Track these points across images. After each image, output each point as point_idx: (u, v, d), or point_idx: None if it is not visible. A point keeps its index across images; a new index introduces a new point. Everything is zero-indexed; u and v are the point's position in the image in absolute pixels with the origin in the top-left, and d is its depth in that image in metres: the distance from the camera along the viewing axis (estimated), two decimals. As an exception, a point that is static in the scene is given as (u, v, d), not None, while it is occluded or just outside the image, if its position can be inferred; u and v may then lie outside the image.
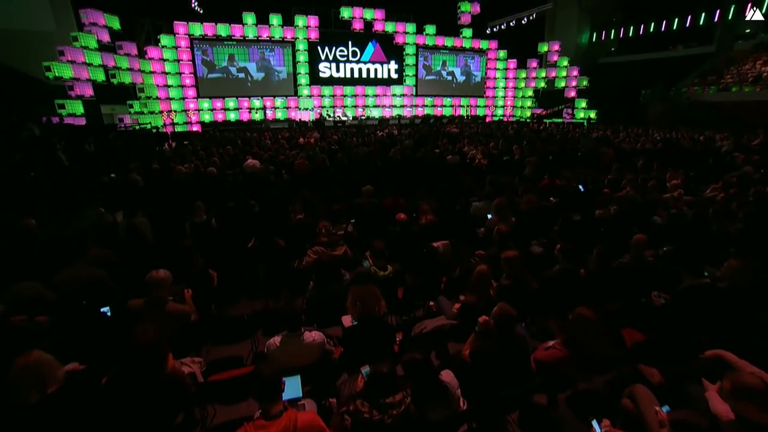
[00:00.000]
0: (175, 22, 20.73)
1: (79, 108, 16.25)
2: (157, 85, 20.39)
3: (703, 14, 26.87)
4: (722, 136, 13.85)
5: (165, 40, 20.62)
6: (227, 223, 4.05)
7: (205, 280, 3.04)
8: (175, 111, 21.09)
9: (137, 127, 18.30)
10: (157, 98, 20.25)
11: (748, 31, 26.86)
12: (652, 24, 30.22)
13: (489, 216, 4.42)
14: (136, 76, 19.05)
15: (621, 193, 5.03)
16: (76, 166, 8.10)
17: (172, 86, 21.03)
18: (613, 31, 33.43)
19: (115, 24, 18.12)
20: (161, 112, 20.33)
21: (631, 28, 31.97)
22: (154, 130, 18.62)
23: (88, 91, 16.69)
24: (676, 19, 28.47)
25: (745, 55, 24.88)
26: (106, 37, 17.72)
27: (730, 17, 25.77)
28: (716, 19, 26.45)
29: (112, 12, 17.96)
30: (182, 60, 21.23)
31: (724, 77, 23.49)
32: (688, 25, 27.84)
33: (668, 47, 30.66)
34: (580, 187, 5.78)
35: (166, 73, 20.79)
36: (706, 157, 9.14)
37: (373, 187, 5.99)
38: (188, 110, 21.73)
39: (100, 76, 17.30)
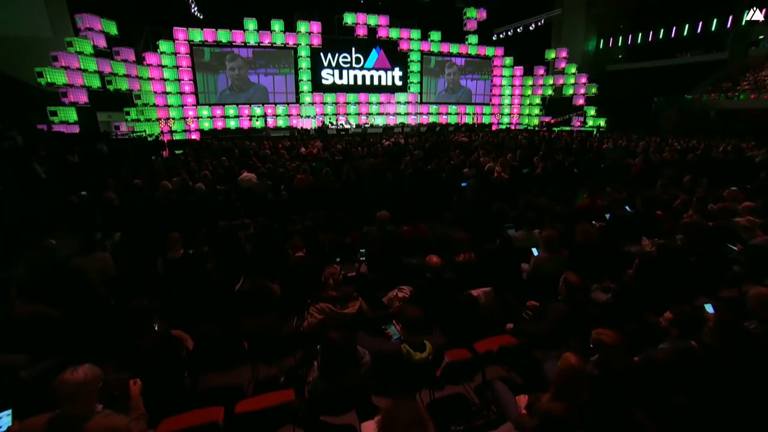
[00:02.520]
0: (174, 27, 20.19)
1: (72, 115, 15.59)
2: (155, 92, 19.78)
3: (715, 20, 26.22)
4: (750, 146, 13.03)
5: (164, 46, 20.07)
6: (209, 260, 3.24)
7: (168, 351, 2.21)
8: (173, 118, 20.44)
9: (133, 135, 17.66)
10: (154, 105, 19.63)
11: (761, 37, 26.24)
12: (662, 31, 29.62)
13: (534, 251, 3.59)
14: (133, 82, 18.45)
15: (686, 219, 4.19)
16: (54, 180, 7.33)
17: (170, 93, 20.43)
18: (620, 38, 32.87)
19: (112, 29, 17.55)
20: (159, 119, 19.69)
21: (640, 35, 31.38)
22: (150, 139, 17.96)
23: (83, 98, 16.05)
24: (687, 26, 27.84)
25: (761, 61, 24.17)
26: (102, 43, 17.14)
27: (743, 23, 25.11)
28: (729, 26, 25.79)
29: (110, 18, 17.40)
30: (181, 66, 20.66)
31: (740, 84, 22.74)
32: (699, 31, 27.19)
33: (675, 55, 30.10)
34: (627, 208, 4.96)
35: (165, 80, 20.20)
36: (750, 169, 8.30)
37: (384, 206, 5.20)
38: (187, 118, 21.09)
39: (96, 83, 16.68)
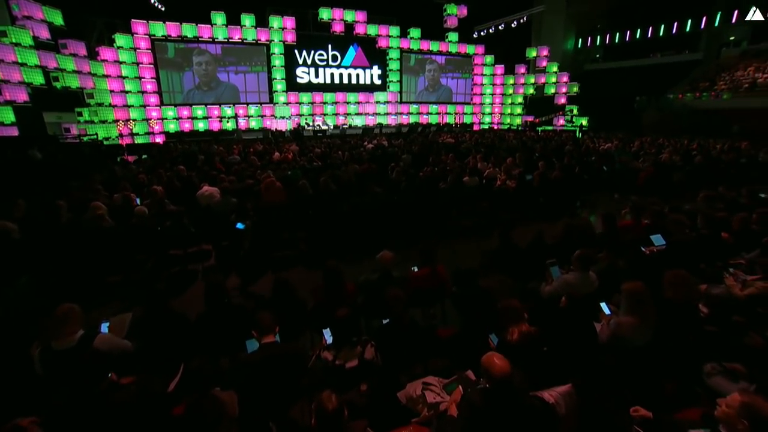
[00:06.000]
0: (132, 20, 18.33)
1: (8, 116, 13.66)
2: (112, 91, 17.87)
3: (690, 21, 26.56)
4: (745, 145, 12.75)
5: (121, 40, 18.16)
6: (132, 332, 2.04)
7: None
8: (133, 120, 18.56)
9: (85, 139, 15.79)
10: (110, 105, 17.72)
11: (732, 38, 26.76)
12: (638, 31, 29.89)
13: (604, 307, 2.55)
14: (85, 79, 16.54)
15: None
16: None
17: (130, 92, 18.54)
18: (598, 37, 33.06)
19: (57, 19, 15.60)
20: (116, 121, 17.80)
21: (617, 34, 31.62)
22: (104, 142, 16.13)
23: (22, 96, 14.14)
24: (663, 26, 28.15)
25: (734, 62, 24.58)
26: (45, 34, 15.18)
27: (716, 24, 25.51)
28: (702, 26, 26.17)
29: (55, 6, 15.43)
30: (142, 63, 18.79)
31: (716, 84, 22.99)
32: (674, 32, 27.52)
33: (649, 55, 30.48)
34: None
35: (123, 78, 18.29)
36: (763, 170, 7.72)
37: (379, 229, 4.14)
38: (150, 119, 19.24)
39: (39, 79, 14.75)
